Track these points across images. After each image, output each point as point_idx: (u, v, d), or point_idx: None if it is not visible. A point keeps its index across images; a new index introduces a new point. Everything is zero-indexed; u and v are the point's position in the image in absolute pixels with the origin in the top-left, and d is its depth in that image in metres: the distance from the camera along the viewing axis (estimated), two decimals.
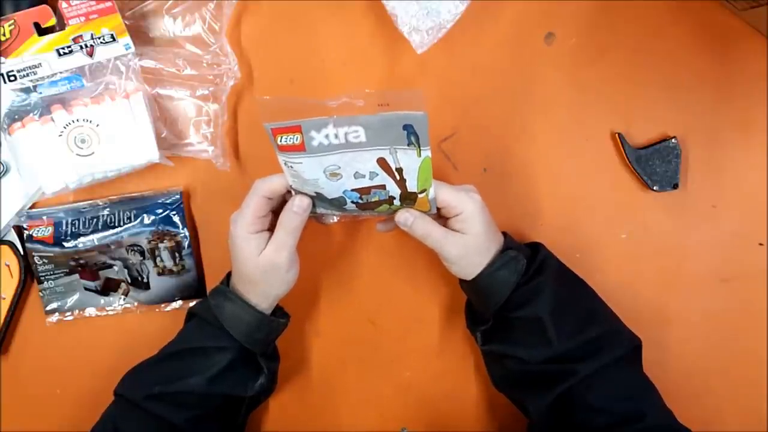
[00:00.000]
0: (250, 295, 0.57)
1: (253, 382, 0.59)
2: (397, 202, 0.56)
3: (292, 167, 0.53)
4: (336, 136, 0.49)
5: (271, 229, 0.57)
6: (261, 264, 0.55)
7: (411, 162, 0.51)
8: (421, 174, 0.52)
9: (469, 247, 0.56)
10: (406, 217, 0.56)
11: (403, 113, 0.47)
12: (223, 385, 0.57)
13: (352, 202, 0.56)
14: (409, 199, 0.55)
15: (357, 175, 0.53)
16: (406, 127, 0.48)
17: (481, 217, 0.55)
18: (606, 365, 0.54)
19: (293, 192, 0.56)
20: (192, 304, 0.68)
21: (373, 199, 0.55)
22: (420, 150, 0.50)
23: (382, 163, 0.52)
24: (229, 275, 0.60)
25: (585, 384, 0.53)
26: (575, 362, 0.54)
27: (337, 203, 0.56)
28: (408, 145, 0.49)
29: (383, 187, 0.54)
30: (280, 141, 0.50)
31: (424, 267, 0.68)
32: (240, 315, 0.57)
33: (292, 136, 0.49)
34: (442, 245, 0.56)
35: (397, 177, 0.53)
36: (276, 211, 0.57)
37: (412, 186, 0.54)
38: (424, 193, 0.54)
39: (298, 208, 0.55)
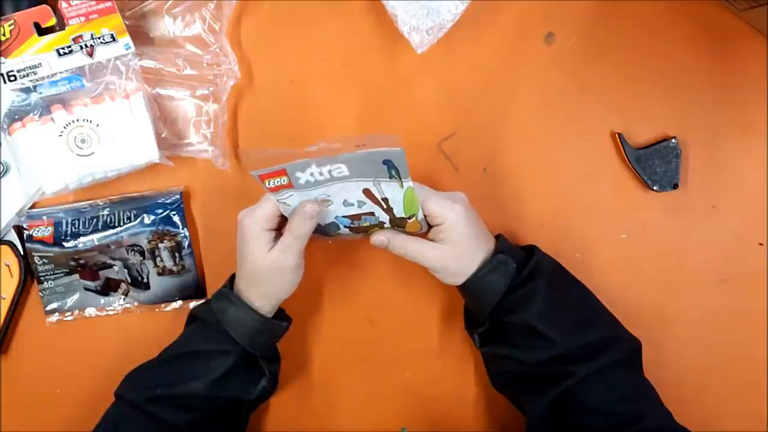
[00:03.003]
0: (253, 295, 0.57)
1: (254, 386, 0.59)
2: (387, 225, 0.58)
3: (284, 203, 0.55)
4: (320, 173, 0.52)
5: (280, 230, 0.58)
6: (267, 264, 0.56)
7: (395, 193, 0.53)
8: (406, 202, 0.54)
9: (448, 257, 0.56)
10: (381, 240, 0.57)
11: (381, 149, 0.49)
12: (225, 389, 0.57)
13: (345, 226, 0.58)
14: (398, 222, 0.57)
15: (346, 203, 0.55)
16: (385, 161, 0.50)
17: (462, 228, 0.55)
18: (605, 367, 0.54)
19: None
20: (192, 304, 0.69)
21: (364, 224, 0.58)
22: (402, 182, 0.52)
23: (367, 193, 0.54)
24: (232, 278, 0.60)
25: (583, 385, 0.53)
26: (573, 363, 0.54)
27: (331, 228, 0.58)
28: (390, 177, 0.52)
29: (372, 213, 0.56)
30: (269, 184, 0.53)
31: (423, 267, 0.68)
32: (242, 318, 0.56)
33: (278, 179, 0.52)
34: (421, 258, 0.56)
35: (384, 206, 0.55)
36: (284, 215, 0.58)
37: (399, 212, 0.56)
38: (413, 218, 0.56)
39: (307, 214, 0.55)
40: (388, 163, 0.50)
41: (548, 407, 0.55)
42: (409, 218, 0.56)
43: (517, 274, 0.56)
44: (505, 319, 0.56)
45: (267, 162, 0.51)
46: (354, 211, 0.56)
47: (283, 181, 0.52)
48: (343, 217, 0.57)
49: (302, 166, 0.51)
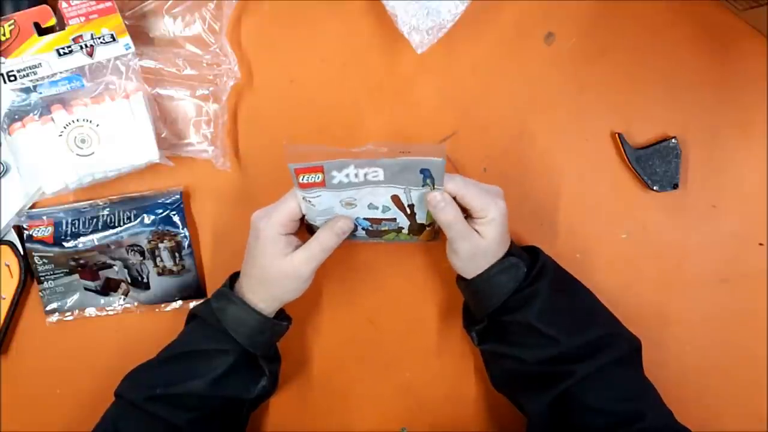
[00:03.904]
0: (256, 296, 0.57)
1: (254, 385, 0.59)
2: (405, 232, 0.59)
3: (309, 201, 0.55)
4: (356, 175, 0.52)
5: (295, 234, 0.58)
6: (284, 268, 0.56)
7: (423, 200, 0.54)
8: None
9: (480, 249, 0.56)
10: (438, 199, 0.54)
11: (423, 159, 0.50)
12: (225, 388, 0.57)
13: (363, 228, 0.59)
14: (416, 230, 0.58)
15: (371, 206, 0.56)
16: (423, 171, 0.51)
17: (499, 225, 0.55)
18: (604, 366, 0.54)
19: (306, 220, 0.58)
20: (192, 304, 0.68)
21: (382, 228, 0.58)
22: (434, 189, 0.53)
23: (395, 199, 0.55)
24: (231, 278, 0.60)
25: (583, 384, 0.53)
26: (573, 363, 0.54)
27: None
28: (423, 186, 0.53)
29: (394, 219, 0.57)
30: (302, 179, 0.52)
31: (423, 267, 0.68)
32: (243, 318, 0.56)
33: (313, 176, 0.52)
34: (459, 239, 0.55)
35: (408, 212, 0.56)
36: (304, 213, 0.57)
37: (420, 219, 0.57)
38: (430, 226, 0.58)
39: (339, 230, 0.56)
40: (426, 172, 0.51)
41: (549, 406, 0.55)
42: (428, 226, 0.57)
43: (525, 276, 0.56)
44: (505, 318, 0.56)
45: (307, 157, 0.51)
46: (377, 215, 0.57)
47: (317, 178, 0.52)
48: (365, 219, 0.57)
49: (340, 166, 0.51)
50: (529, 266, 0.57)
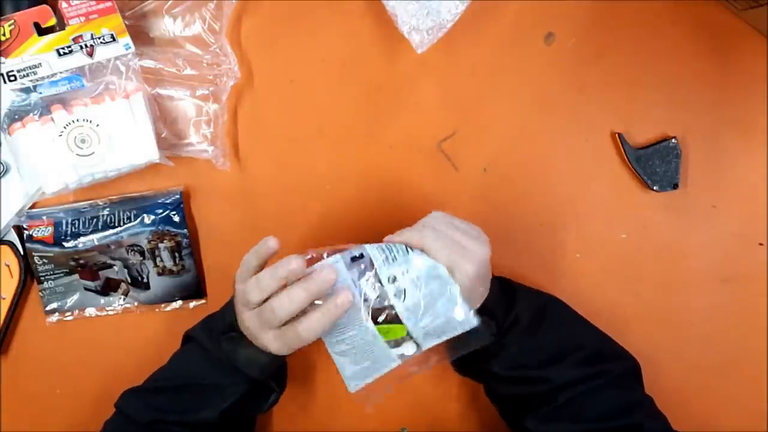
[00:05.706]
0: (264, 341, 0.54)
1: (265, 402, 0.59)
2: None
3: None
4: None
5: None
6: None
7: None
8: None
9: None
10: None
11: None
12: (237, 412, 0.57)
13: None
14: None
15: None
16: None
17: (462, 290, 0.53)
18: (596, 388, 0.54)
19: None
20: (192, 304, 0.69)
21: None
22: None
23: None
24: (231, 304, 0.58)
25: (574, 402, 0.54)
26: (559, 391, 0.54)
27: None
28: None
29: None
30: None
31: None
32: (255, 357, 0.55)
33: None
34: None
35: None
36: None
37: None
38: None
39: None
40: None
41: (538, 423, 0.55)
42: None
43: (496, 329, 0.55)
44: (477, 365, 0.58)
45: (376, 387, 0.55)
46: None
47: None
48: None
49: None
50: (501, 318, 0.56)
